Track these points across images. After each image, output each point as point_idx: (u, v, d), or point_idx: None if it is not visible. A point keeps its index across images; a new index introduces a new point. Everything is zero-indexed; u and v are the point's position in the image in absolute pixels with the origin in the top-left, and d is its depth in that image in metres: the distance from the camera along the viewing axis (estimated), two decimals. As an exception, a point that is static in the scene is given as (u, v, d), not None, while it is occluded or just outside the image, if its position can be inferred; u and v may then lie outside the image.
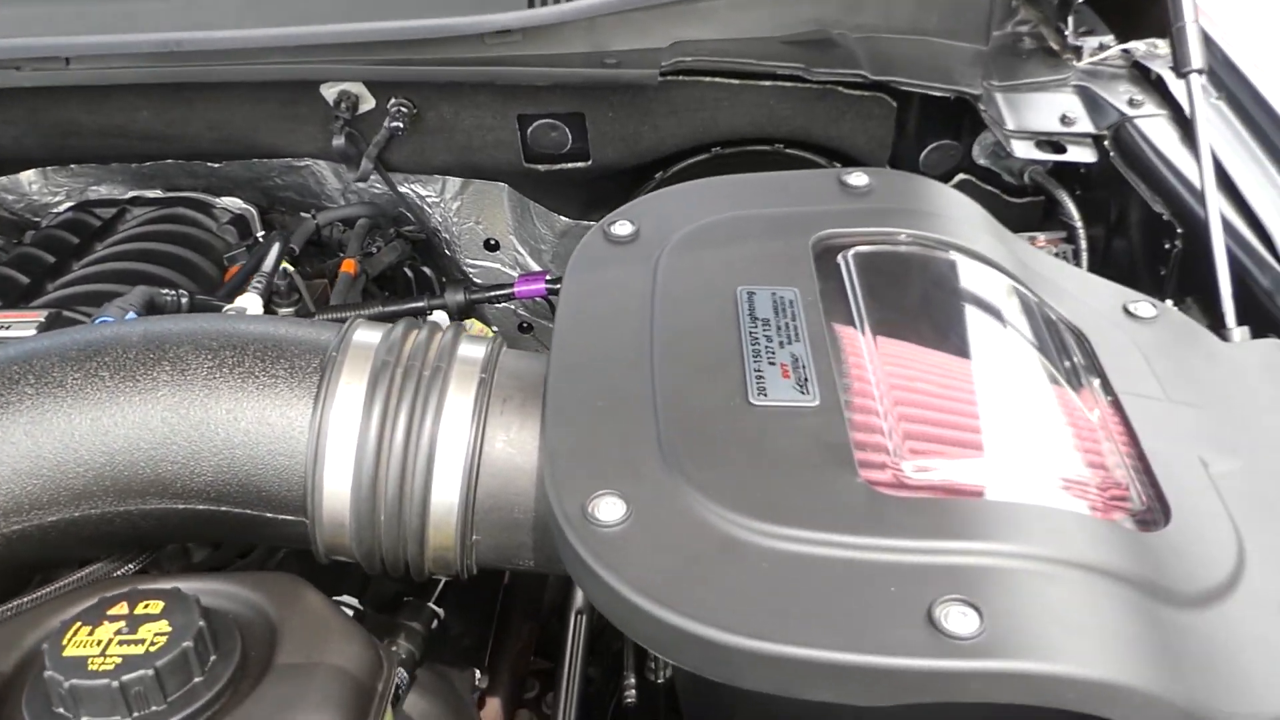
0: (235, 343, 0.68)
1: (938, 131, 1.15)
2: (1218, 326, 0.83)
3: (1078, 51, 1.12)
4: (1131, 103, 1.04)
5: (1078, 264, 1.08)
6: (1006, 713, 0.57)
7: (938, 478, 0.59)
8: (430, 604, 0.94)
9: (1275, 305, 0.81)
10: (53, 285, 1.17)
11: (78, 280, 1.14)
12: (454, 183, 1.40)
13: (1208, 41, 1.08)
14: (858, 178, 0.82)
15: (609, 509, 0.56)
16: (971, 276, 0.76)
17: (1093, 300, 0.82)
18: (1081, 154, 1.04)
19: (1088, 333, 0.77)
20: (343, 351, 0.68)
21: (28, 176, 1.44)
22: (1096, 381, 0.73)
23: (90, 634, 0.57)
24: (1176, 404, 0.72)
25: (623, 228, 0.77)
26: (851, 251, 0.74)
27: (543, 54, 1.03)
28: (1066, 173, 1.11)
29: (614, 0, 0.98)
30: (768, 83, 1.08)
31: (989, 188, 1.16)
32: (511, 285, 1.21)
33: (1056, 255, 1.12)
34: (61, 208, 1.39)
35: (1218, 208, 0.84)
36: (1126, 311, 0.81)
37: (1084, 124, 1.05)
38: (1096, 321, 0.78)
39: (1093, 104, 1.06)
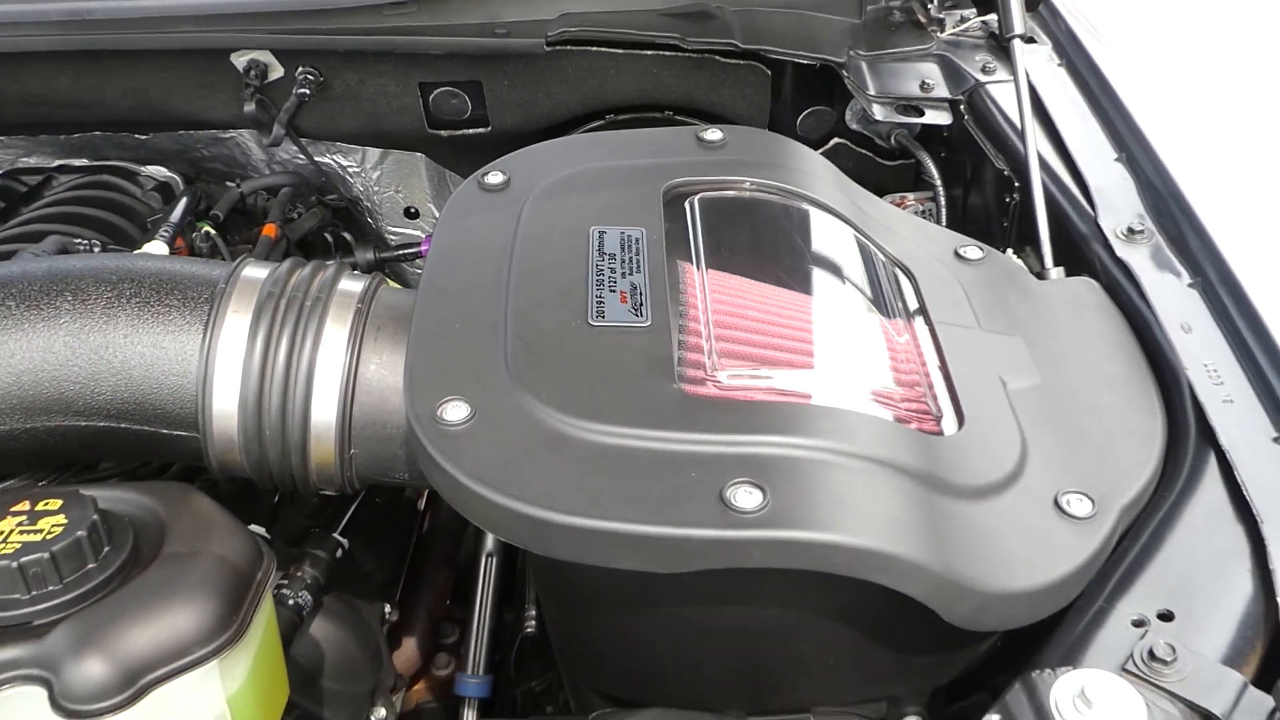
0: (133, 276, 0.76)
1: (812, 98, 1.23)
2: (1040, 270, 0.93)
3: (941, 24, 1.21)
4: (985, 70, 1.13)
5: (938, 220, 1.18)
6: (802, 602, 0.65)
7: (746, 384, 0.67)
8: (335, 535, 1.02)
9: (1090, 249, 0.90)
10: None
11: (2, 241, 1.20)
12: (374, 153, 1.47)
13: (1056, 17, 1.18)
14: (712, 134, 0.90)
15: (454, 411, 0.64)
16: (807, 220, 0.84)
17: (927, 245, 0.91)
18: (938, 117, 1.13)
19: (915, 271, 0.85)
20: (232, 284, 0.76)
21: None
22: (916, 312, 0.82)
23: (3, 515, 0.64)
24: (987, 332, 0.81)
25: (495, 177, 0.85)
26: (697, 197, 0.82)
27: (438, 24, 1.10)
28: (932, 137, 1.20)
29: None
30: (650, 52, 1.15)
31: (862, 151, 1.25)
32: (419, 245, 1.29)
33: (921, 213, 1.22)
34: (-10, 175, 1.44)
35: (1036, 162, 0.94)
36: (956, 254, 0.90)
37: (941, 90, 1.14)
38: (926, 262, 0.87)
39: (951, 71, 1.15)
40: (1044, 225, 0.92)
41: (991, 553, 0.64)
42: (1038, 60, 1.12)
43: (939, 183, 1.15)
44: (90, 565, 0.63)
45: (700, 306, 0.72)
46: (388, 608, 1.09)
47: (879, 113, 1.12)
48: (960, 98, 1.12)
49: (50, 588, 0.62)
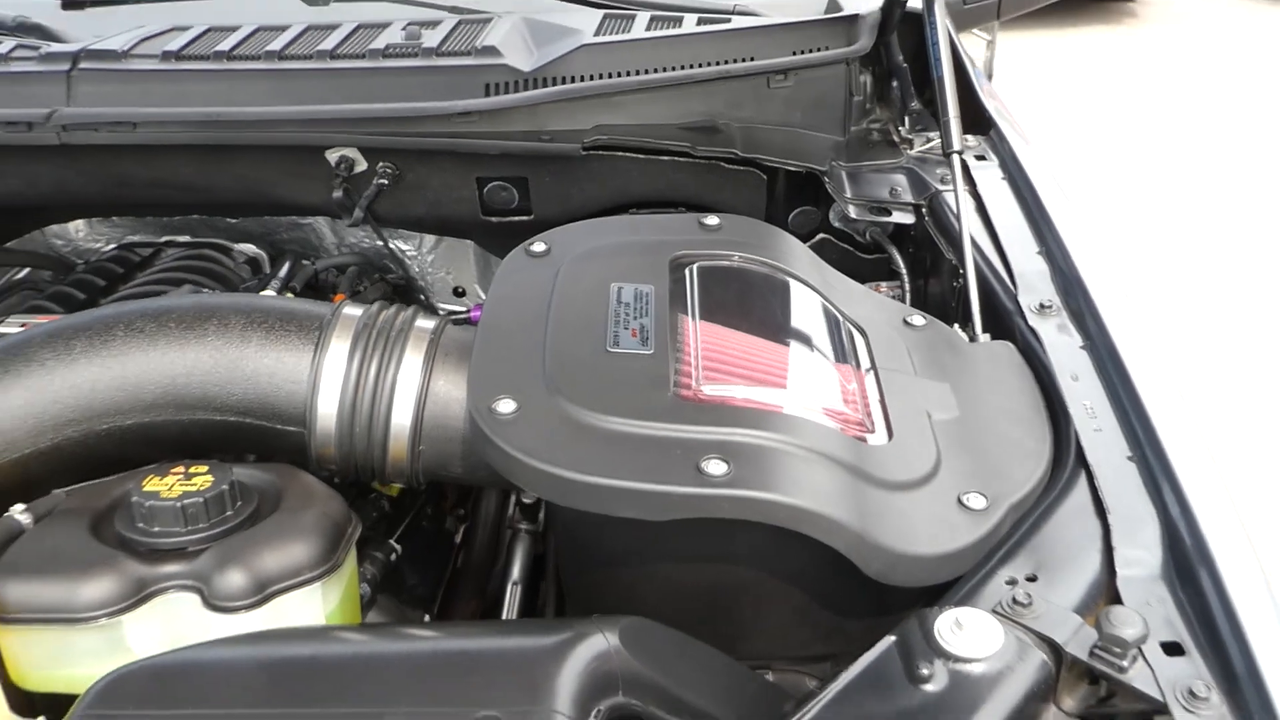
0: (262, 309, 0.99)
1: (801, 199, 1.48)
2: (971, 335, 1.15)
3: (910, 143, 1.46)
4: (943, 180, 1.36)
5: (904, 301, 1.40)
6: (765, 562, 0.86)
7: (723, 395, 0.89)
8: (390, 541, 1.23)
9: (1011, 320, 1.12)
10: (104, 301, 1.47)
11: (124, 299, 1.45)
12: (430, 239, 1.73)
13: (1002, 141, 1.43)
14: (711, 219, 1.14)
15: (505, 405, 0.86)
16: (783, 286, 1.07)
17: (880, 312, 1.13)
18: (903, 217, 1.37)
19: (868, 330, 1.08)
20: (335, 318, 0.99)
21: (76, 226, 1.76)
22: (866, 360, 1.04)
23: (160, 480, 0.86)
24: (921, 378, 1.03)
25: (539, 246, 1.09)
26: (695, 264, 1.06)
27: (495, 130, 1.36)
28: (903, 235, 1.44)
29: (548, 92, 1.32)
30: (666, 158, 1.41)
31: (844, 245, 1.49)
32: (468, 313, 1.52)
33: (893, 297, 1.44)
34: (108, 247, 1.71)
35: (969, 250, 1.16)
36: (905, 321, 1.13)
37: (907, 195, 1.38)
38: (878, 324, 1.10)
39: (916, 181, 1.39)
40: (975, 301, 1.14)
41: (903, 527, 0.84)
42: (989, 175, 1.37)
43: (904, 271, 1.38)
44: (229, 511, 0.86)
45: (692, 343, 0.95)
46: (426, 617, 1.29)
47: (854, 212, 1.36)
48: (922, 203, 1.36)
49: (201, 524, 0.84)
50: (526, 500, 1.28)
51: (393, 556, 1.19)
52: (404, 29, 1.42)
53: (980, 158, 1.38)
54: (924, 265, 1.39)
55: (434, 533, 1.38)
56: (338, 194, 1.43)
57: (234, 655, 0.72)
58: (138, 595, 0.80)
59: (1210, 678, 0.72)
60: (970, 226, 1.26)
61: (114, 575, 0.80)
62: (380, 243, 1.66)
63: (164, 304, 1.00)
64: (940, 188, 1.36)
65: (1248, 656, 0.72)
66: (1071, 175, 5.46)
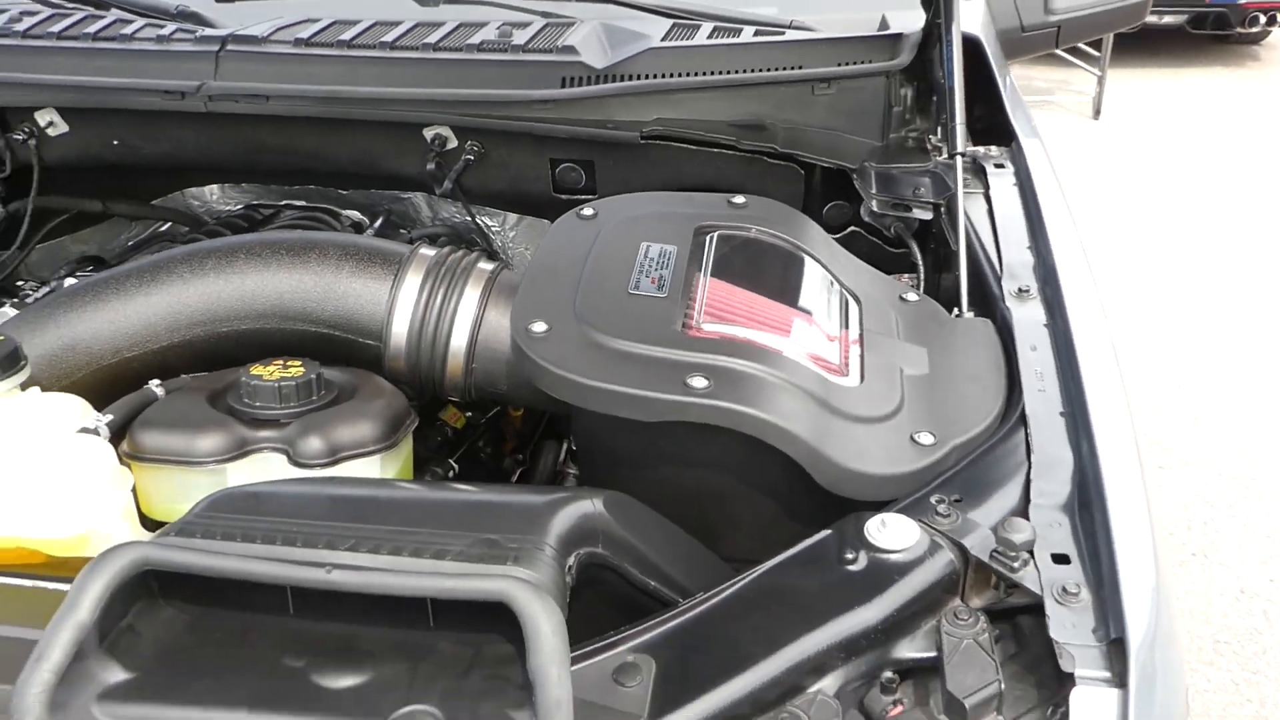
0: (354, 245, 1.22)
1: (836, 194, 1.65)
2: (959, 312, 1.30)
3: (940, 150, 1.62)
4: (964, 184, 1.52)
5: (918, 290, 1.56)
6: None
7: (720, 332, 1.08)
8: (450, 460, 1.44)
9: (994, 303, 1.27)
10: None
11: None
12: (512, 218, 1.95)
13: (1020, 154, 1.57)
14: (739, 199, 1.33)
15: (539, 326, 1.06)
16: (791, 256, 1.25)
17: (878, 288, 1.30)
18: (922, 214, 1.52)
19: (863, 300, 1.25)
20: (412, 256, 1.21)
21: (211, 189, 2.03)
22: (856, 322, 1.21)
23: (264, 368, 1.09)
24: (902, 341, 1.20)
25: (588, 211, 1.29)
26: (716, 232, 1.25)
27: (568, 118, 1.56)
28: (925, 233, 1.60)
29: (613, 86, 1.52)
30: (715, 150, 1.59)
31: (872, 239, 1.65)
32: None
33: (910, 286, 1.60)
34: (236, 207, 1.98)
35: (964, 241, 1.32)
36: (900, 297, 1.30)
37: (928, 195, 1.53)
38: (873, 297, 1.27)
39: (938, 183, 1.55)
40: (964, 284, 1.30)
41: (856, 450, 1.01)
42: (1003, 181, 1.52)
43: (919, 261, 1.54)
44: (314, 396, 1.08)
45: (700, 292, 1.14)
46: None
47: (876, 206, 1.52)
48: (941, 202, 1.52)
49: (291, 403, 1.06)
50: (575, 448, 1.48)
51: (450, 474, 1.40)
52: (498, 28, 1.64)
53: (999, 165, 1.54)
54: (939, 259, 1.54)
55: (492, 469, 1.58)
56: (431, 166, 1.66)
57: (309, 488, 0.94)
58: (239, 450, 1.03)
59: (1084, 581, 0.88)
60: (974, 221, 1.42)
61: (223, 434, 1.03)
62: (468, 217, 1.88)
63: (277, 235, 1.23)
64: (958, 189, 1.51)
65: (1113, 566, 0.87)
66: (1175, 219, 5.44)
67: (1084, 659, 0.80)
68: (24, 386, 1.06)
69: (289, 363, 1.10)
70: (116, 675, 0.79)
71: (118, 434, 1.04)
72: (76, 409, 1.04)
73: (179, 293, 1.19)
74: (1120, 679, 0.78)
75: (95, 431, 1.01)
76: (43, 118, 1.76)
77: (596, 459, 1.15)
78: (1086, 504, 0.95)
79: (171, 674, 0.79)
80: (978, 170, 1.56)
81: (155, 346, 1.17)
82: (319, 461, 1.02)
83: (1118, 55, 7.40)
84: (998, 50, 1.90)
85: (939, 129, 1.66)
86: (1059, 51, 7.32)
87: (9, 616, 0.87)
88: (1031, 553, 0.89)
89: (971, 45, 1.68)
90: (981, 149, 1.59)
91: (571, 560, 0.86)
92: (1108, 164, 6.31)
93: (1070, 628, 0.82)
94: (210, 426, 1.04)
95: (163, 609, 0.84)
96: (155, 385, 1.11)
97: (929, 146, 1.64)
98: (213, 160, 1.80)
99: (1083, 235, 1.34)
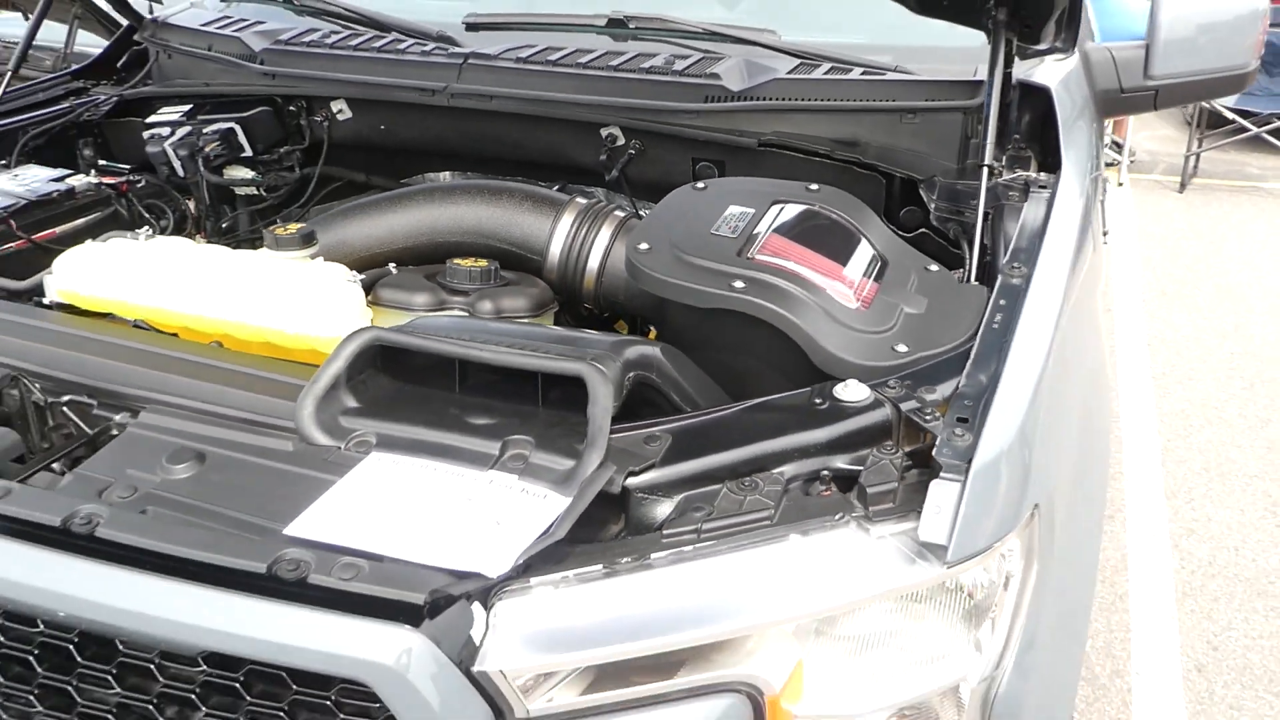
0: (533, 191, 1.78)
1: (911, 200, 2.06)
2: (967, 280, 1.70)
3: (1001, 173, 2.02)
4: (1009, 198, 1.92)
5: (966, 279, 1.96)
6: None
7: (767, 261, 1.54)
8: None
9: (994, 275, 1.67)
10: None
11: None
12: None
13: (1059, 180, 1.95)
14: (814, 185, 1.79)
15: (643, 245, 1.56)
16: (839, 227, 1.70)
17: (908, 259, 1.72)
18: (971, 217, 1.93)
19: (890, 263, 1.68)
20: (570, 202, 1.75)
21: (444, 175, 2.64)
22: (878, 275, 1.64)
23: (462, 260, 1.64)
24: (911, 293, 1.62)
25: (700, 185, 1.79)
26: (786, 204, 1.71)
27: (707, 126, 2.06)
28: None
29: (742, 105, 2.02)
30: (815, 158, 2.05)
31: (939, 240, 2.06)
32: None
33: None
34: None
35: (979, 232, 1.73)
36: (925, 267, 1.71)
37: (982, 206, 1.94)
38: (900, 263, 1.69)
39: (990, 197, 1.95)
40: (973, 262, 1.70)
41: (845, 345, 1.45)
42: (1038, 199, 1.89)
43: (967, 255, 1.93)
44: (491, 280, 1.62)
45: (761, 238, 1.61)
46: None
47: (934, 208, 1.94)
48: (990, 211, 1.92)
49: (476, 282, 1.61)
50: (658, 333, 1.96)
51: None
52: (665, 58, 2.17)
53: (1041, 187, 1.92)
54: (983, 254, 1.94)
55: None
56: (602, 158, 2.19)
57: (474, 322, 1.47)
58: (439, 306, 1.58)
59: (971, 433, 1.28)
60: (1007, 222, 1.81)
61: (431, 295, 1.59)
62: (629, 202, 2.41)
63: (483, 181, 1.81)
64: (1005, 203, 1.91)
65: (982, 425, 1.26)
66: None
67: (948, 469, 1.20)
68: (313, 257, 1.66)
69: (477, 260, 1.65)
70: (352, 404, 1.33)
71: (366, 290, 1.61)
72: (344, 271, 1.61)
73: (415, 213, 1.77)
74: (964, 481, 1.18)
75: (355, 283, 1.58)
76: (335, 106, 2.42)
77: (667, 336, 1.63)
78: (994, 390, 1.36)
79: (382, 409, 1.33)
80: (1025, 188, 1.95)
81: (395, 247, 1.75)
82: (488, 319, 1.55)
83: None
84: (1078, 103, 2.27)
85: (1003, 157, 2.06)
86: (1268, 137, 7.25)
87: (296, 373, 1.43)
88: (941, 415, 1.31)
89: (1042, 94, 2.08)
90: (1034, 174, 1.98)
91: (630, 375, 1.35)
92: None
93: (949, 455, 1.22)
94: (423, 290, 1.60)
95: (381, 374, 1.38)
96: (392, 266, 1.69)
97: (995, 170, 2.04)
98: (448, 147, 2.40)
99: (1081, 240, 1.73)
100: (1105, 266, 2.50)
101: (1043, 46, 2.02)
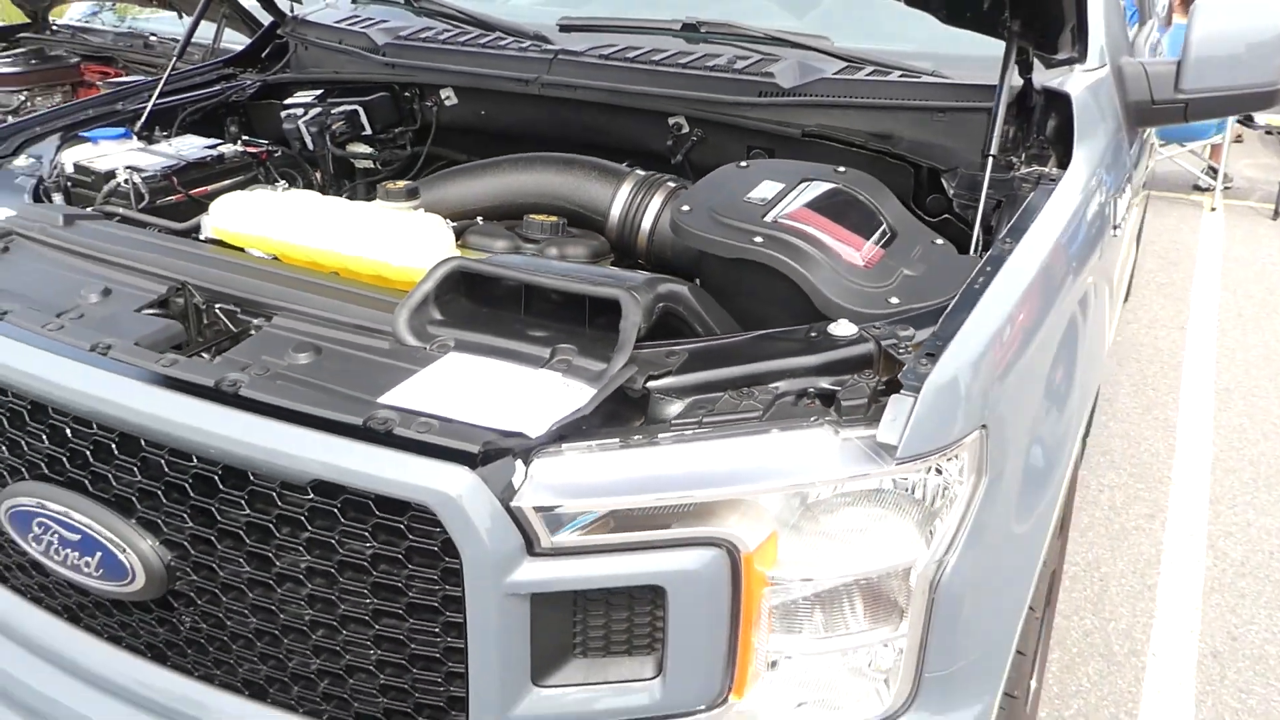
0: (601, 164, 2.11)
1: (936, 188, 2.32)
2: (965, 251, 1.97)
3: (1019, 166, 2.27)
4: (1020, 187, 2.17)
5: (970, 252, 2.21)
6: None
7: (792, 223, 1.83)
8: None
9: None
10: None
11: None
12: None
13: (1065, 175, 2.19)
14: (841, 168, 2.07)
15: (685, 206, 1.87)
16: (858, 203, 1.98)
17: (918, 233, 2.00)
18: (987, 206, 2.18)
19: (899, 235, 1.95)
20: (630, 173, 2.07)
21: None
22: (885, 246, 1.91)
23: (536, 216, 1.97)
24: (914, 259, 1.89)
25: (744, 164, 2.09)
26: (814, 181, 2.00)
27: (759, 118, 2.36)
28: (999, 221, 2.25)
29: (790, 100, 2.31)
30: (852, 148, 2.32)
31: (960, 225, 2.31)
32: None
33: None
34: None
35: (981, 212, 1.99)
36: (931, 241, 1.98)
37: (995, 194, 2.19)
38: (909, 235, 1.96)
39: (1005, 187, 2.20)
40: (977, 237, 1.97)
41: (844, 294, 1.73)
42: (1045, 189, 2.15)
43: (978, 237, 2.19)
44: (558, 232, 1.95)
45: (786, 206, 1.90)
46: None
47: (952, 194, 2.20)
48: (1001, 199, 2.18)
49: (546, 232, 1.94)
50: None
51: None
52: (727, 58, 2.48)
53: (1051, 179, 2.17)
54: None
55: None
56: (669, 143, 2.51)
57: (521, 259, 1.80)
58: (514, 251, 1.91)
59: (934, 362, 1.55)
60: (1015, 206, 2.07)
61: (509, 241, 1.93)
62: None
63: (558, 155, 2.14)
64: (1016, 192, 2.16)
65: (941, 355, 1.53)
66: None
67: (907, 388, 1.48)
68: (415, 209, 2.01)
69: (549, 216, 1.98)
70: (437, 316, 1.67)
71: (456, 236, 1.96)
72: (439, 220, 1.96)
73: (501, 178, 2.12)
74: (916, 397, 1.45)
75: (447, 229, 1.93)
76: (444, 93, 2.79)
77: (703, 285, 1.93)
78: (963, 336, 1.63)
79: (460, 322, 1.66)
80: (1037, 181, 2.20)
81: (482, 205, 2.11)
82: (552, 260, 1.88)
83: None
84: (1104, 110, 2.51)
85: (1023, 153, 2.31)
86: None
87: (395, 295, 1.77)
88: (914, 351, 1.58)
89: (1062, 98, 2.32)
90: (1049, 170, 2.23)
91: (660, 305, 1.66)
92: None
93: (910, 378, 1.50)
94: (503, 237, 1.94)
95: (463, 297, 1.72)
96: (479, 219, 2.03)
97: (1015, 163, 2.30)
98: (538, 131, 2.75)
99: (1076, 224, 1.97)
100: (1119, 253, 2.73)
101: (1062, 56, 2.27)
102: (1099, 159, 2.34)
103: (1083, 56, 2.30)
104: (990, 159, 2.04)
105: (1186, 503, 3.90)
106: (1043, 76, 2.36)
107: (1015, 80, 2.31)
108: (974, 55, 2.47)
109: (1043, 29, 2.12)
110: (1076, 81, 2.43)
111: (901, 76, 2.37)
